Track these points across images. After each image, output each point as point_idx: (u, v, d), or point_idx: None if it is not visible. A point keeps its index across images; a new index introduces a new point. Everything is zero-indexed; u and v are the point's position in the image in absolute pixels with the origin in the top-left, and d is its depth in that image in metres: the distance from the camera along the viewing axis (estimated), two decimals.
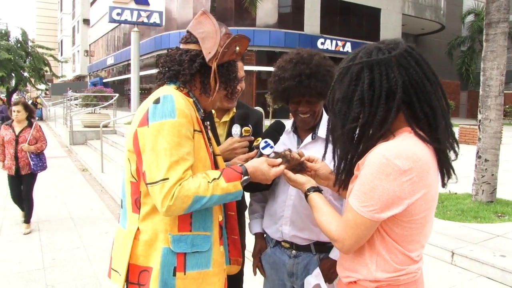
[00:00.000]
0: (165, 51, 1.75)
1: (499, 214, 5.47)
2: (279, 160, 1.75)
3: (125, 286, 1.63)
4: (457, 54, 31.86)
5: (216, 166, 1.78)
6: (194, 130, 1.59)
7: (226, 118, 2.30)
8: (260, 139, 1.96)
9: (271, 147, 1.92)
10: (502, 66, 5.81)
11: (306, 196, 1.63)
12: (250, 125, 2.06)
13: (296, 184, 1.72)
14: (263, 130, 2.25)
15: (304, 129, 2.12)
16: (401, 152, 1.28)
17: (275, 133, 2.08)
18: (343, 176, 1.51)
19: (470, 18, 31.22)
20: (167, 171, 1.46)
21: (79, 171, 10.15)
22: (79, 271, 4.32)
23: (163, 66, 1.71)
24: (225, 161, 1.93)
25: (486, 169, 5.85)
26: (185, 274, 1.60)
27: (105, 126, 12.79)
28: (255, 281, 2.47)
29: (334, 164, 1.53)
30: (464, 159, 8.45)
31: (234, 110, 2.32)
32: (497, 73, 5.80)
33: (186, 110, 1.55)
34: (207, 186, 1.51)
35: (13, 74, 27.85)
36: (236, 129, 2.07)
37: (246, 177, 1.64)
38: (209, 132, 1.81)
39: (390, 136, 1.38)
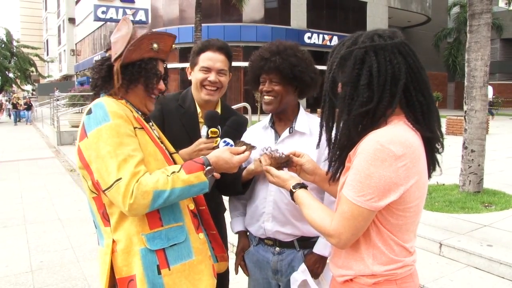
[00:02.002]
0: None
1: (486, 204, 5.51)
2: (243, 147, 1.75)
3: None
4: (444, 45, 32.10)
5: (174, 163, 1.76)
6: (135, 128, 1.59)
7: None
8: (219, 139, 1.96)
9: (231, 146, 1.90)
10: (486, 57, 5.84)
11: (292, 193, 1.60)
12: (219, 127, 2.03)
13: (279, 180, 1.69)
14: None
15: (279, 118, 2.13)
16: (394, 138, 1.27)
17: (234, 131, 2.10)
18: (336, 167, 1.49)
19: (456, 10, 31.43)
20: (117, 171, 1.45)
21: (67, 171, 10.06)
22: (67, 273, 4.28)
23: (91, 77, 1.72)
24: None
25: (472, 159, 5.89)
26: (169, 269, 1.58)
27: None
28: (240, 278, 2.45)
29: (329, 153, 1.52)
30: (451, 150, 8.53)
31: (219, 110, 2.29)
32: (482, 64, 5.83)
33: (120, 111, 1.55)
34: (166, 179, 1.50)
35: None
36: (204, 130, 2.04)
37: (209, 167, 1.62)
38: (156, 132, 1.79)
39: (380, 125, 1.37)
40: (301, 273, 1.97)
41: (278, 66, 1.95)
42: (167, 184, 1.50)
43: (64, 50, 56.25)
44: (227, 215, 2.41)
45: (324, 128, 1.52)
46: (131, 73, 1.65)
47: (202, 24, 17.67)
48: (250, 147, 1.76)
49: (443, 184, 6.43)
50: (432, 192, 5.98)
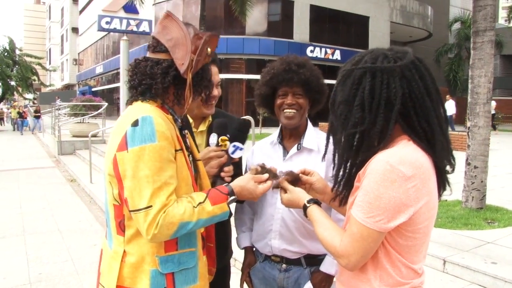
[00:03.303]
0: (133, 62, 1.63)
1: (489, 221, 5.48)
2: (266, 175, 1.70)
3: None
4: (445, 61, 32.23)
5: (196, 171, 1.73)
6: (176, 150, 1.53)
7: (203, 127, 2.23)
8: (228, 143, 1.92)
9: (241, 149, 1.89)
10: (489, 74, 5.86)
11: (305, 208, 1.57)
12: (228, 135, 2.02)
13: (292, 196, 1.64)
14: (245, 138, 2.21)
15: (289, 134, 2.10)
16: (404, 158, 1.25)
17: (241, 133, 2.05)
18: (343, 187, 1.47)
19: (457, 26, 31.68)
20: (150, 198, 1.41)
21: (68, 181, 10.03)
22: (67, 285, 4.24)
23: (133, 79, 1.61)
24: None
25: (475, 175, 5.87)
26: None
27: (94, 135, 12.70)
28: None
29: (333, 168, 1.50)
30: None
31: (210, 118, 2.26)
32: (485, 81, 5.84)
33: (167, 132, 1.48)
34: (193, 211, 1.47)
35: (0, 83, 27.55)
36: (213, 138, 2.02)
37: (232, 197, 1.61)
38: (188, 139, 1.74)
39: (389, 145, 1.35)
40: None
41: (308, 79, 1.94)
42: (193, 216, 1.48)
43: (67, 60, 56.57)
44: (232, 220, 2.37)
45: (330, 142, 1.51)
46: (197, 84, 1.61)
47: None
48: (273, 176, 1.71)
49: (446, 200, 6.40)
50: None
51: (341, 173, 1.46)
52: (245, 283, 2.24)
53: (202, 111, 2.17)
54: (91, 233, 6.01)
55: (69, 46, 54.82)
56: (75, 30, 51.97)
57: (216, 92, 2.16)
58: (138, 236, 1.53)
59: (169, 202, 1.44)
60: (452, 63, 31.84)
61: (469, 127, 6.00)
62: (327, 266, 1.97)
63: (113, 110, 33.42)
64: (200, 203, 1.51)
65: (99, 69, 41.06)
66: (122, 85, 19.21)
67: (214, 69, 2.14)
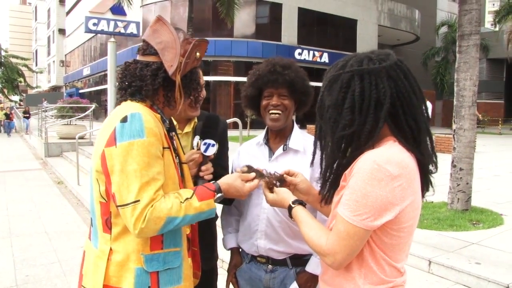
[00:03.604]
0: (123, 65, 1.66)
1: (474, 222, 5.56)
2: (253, 174, 1.73)
3: None
4: (432, 64, 32.60)
5: (181, 174, 1.74)
6: (163, 148, 1.56)
7: (188, 129, 2.24)
8: (200, 142, 1.94)
9: (213, 145, 1.91)
10: (474, 77, 5.95)
11: (290, 209, 1.59)
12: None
13: (277, 197, 1.67)
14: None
15: (274, 135, 2.12)
16: (390, 158, 1.28)
17: (208, 129, 2.08)
18: (328, 187, 1.49)
19: (444, 29, 32.03)
20: (138, 193, 1.43)
21: (55, 183, 9.94)
22: (54, 287, 4.21)
23: (123, 81, 1.64)
24: None
25: (461, 177, 5.96)
26: None
27: (81, 137, 12.59)
28: None
29: (320, 172, 1.53)
30: (440, 167, 8.54)
31: (196, 120, 2.28)
32: (470, 84, 5.93)
33: (155, 129, 1.51)
34: (180, 206, 1.49)
35: None
36: (195, 140, 2.04)
37: (219, 195, 1.63)
38: (175, 141, 1.77)
39: (375, 145, 1.38)
40: None
41: (292, 80, 1.96)
42: (180, 211, 1.49)
43: (54, 61, 56.07)
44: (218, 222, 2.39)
45: (318, 147, 1.53)
46: (186, 86, 1.64)
47: None
48: (260, 175, 1.74)
49: (432, 202, 6.47)
50: (421, 210, 5.99)
51: (328, 174, 1.48)
52: (231, 284, 2.25)
53: (187, 113, 2.19)
54: (78, 235, 5.97)
55: (56, 48, 54.33)
56: (62, 31, 51.52)
57: (205, 92, 2.17)
58: (125, 233, 1.55)
59: (156, 197, 1.46)
60: (439, 66, 32.21)
61: (454, 130, 6.08)
62: (313, 267, 1.99)
63: (101, 112, 33.19)
64: (187, 198, 1.53)
65: (86, 71, 40.75)
66: (110, 87, 19.09)
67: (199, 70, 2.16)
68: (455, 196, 6.00)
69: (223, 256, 2.49)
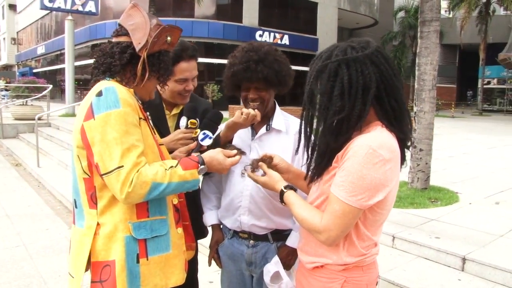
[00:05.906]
0: (100, 42, 1.73)
1: (433, 200, 5.85)
2: (234, 151, 1.82)
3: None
4: (389, 48, 33.32)
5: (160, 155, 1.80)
6: (140, 118, 1.62)
7: (176, 111, 2.31)
8: (198, 131, 2.01)
9: (210, 138, 1.98)
10: (435, 62, 6.18)
11: (282, 193, 1.67)
12: (197, 119, 2.09)
13: (269, 179, 1.74)
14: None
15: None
16: (383, 143, 1.40)
17: (213, 124, 2.14)
18: (320, 169, 1.58)
19: (401, 14, 32.76)
20: (120, 158, 1.49)
21: (12, 166, 9.60)
22: (21, 271, 4.13)
23: (97, 61, 1.71)
24: (169, 152, 1.94)
25: (420, 158, 6.22)
26: (147, 259, 1.63)
27: (39, 118, 12.18)
28: (211, 267, 2.49)
29: (308, 157, 1.62)
30: None
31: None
32: (431, 68, 6.16)
33: (130, 99, 1.58)
34: (165, 173, 1.55)
35: None
36: (183, 120, 2.11)
37: (202, 166, 1.70)
38: (150, 122, 1.82)
39: (363, 128, 1.48)
40: (274, 265, 2.04)
41: (265, 76, 1.98)
42: (165, 177, 1.55)
43: (4, 38, 53.26)
44: None
45: (303, 134, 1.61)
46: (152, 64, 1.69)
47: None
48: (241, 152, 1.85)
49: None
50: None
51: (321, 157, 1.57)
52: (213, 260, 2.31)
53: (176, 100, 2.24)
54: (42, 217, 5.85)
55: (6, 24, 51.61)
56: (12, 7, 48.92)
57: (191, 86, 2.22)
58: (111, 205, 1.60)
59: (140, 162, 1.52)
60: (396, 50, 32.98)
61: (415, 112, 6.32)
62: (293, 241, 2.08)
63: (57, 93, 32.06)
64: (172, 166, 1.60)
65: (40, 50, 39.04)
66: (68, 66, 18.46)
67: (183, 65, 2.16)
68: (415, 175, 6.27)
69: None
